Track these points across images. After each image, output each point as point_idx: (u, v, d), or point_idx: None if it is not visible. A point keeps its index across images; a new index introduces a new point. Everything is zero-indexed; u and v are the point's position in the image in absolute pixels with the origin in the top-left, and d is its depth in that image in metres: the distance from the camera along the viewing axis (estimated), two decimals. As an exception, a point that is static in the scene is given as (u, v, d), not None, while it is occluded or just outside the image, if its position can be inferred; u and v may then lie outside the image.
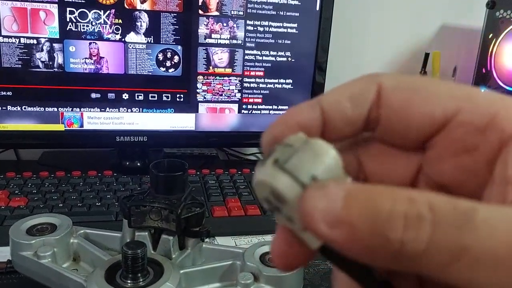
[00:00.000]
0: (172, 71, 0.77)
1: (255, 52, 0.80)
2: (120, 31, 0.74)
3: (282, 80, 0.82)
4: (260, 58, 0.80)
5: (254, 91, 0.82)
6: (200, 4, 0.75)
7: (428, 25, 1.06)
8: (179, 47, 0.76)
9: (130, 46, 0.74)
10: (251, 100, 0.82)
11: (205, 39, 0.77)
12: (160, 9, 0.74)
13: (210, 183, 0.75)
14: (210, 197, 0.71)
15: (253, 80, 0.81)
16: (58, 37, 0.72)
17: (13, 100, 0.72)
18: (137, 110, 0.78)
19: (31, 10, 0.70)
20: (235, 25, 0.78)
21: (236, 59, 0.79)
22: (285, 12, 0.79)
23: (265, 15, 0.78)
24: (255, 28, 0.78)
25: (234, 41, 0.78)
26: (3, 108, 0.72)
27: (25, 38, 0.70)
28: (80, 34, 0.72)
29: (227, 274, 0.47)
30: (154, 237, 0.47)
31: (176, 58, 0.77)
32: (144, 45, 0.75)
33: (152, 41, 0.75)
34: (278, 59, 0.81)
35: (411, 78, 0.17)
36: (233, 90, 0.81)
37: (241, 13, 0.77)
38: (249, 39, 0.79)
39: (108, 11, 0.72)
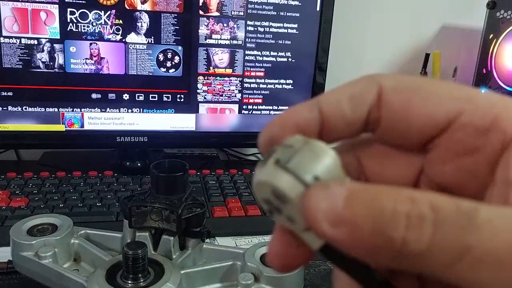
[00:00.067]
0: (173, 72, 0.77)
1: (255, 52, 0.80)
2: (120, 32, 0.74)
3: (282, 81, 0.82)
4: (261, 58, 0.80)
5: (255, 91, 0.82)
6: (200, 4, 0.75)
7: (429, 26, 1.06)
8: (180, 48, 0.76)
9: (130, 46, 0.74)
10: (251, 101, 0.82)
11: (205, 39, 0.77)
12: (160, 9, 0.74)
13: (210, 183, 0.75)
14: (210, 197, 0.71)
15: (253, 80, 0.81)
16: (58, 37, 0.72)
17: (14, 101, 0.72)
18: (137, 110, 0.78)
19: (32, 11, 0.70)
20: (235, 26, 0.78)
21: (237, 60, 0.79)
22: (285, 12, 0.79)
23: (266, 15, 0.78)
24: (255, 29, 0.78)
25: (235, 42, 0.78)
26: (4, 108, 0.72)
27: (25, 39, 0.71)
28: (80, 34, 0.72)
29: (228, 274, 0.47)
30: (154, 237, 0.47)
31: (176, 59, 0.77)
32: (144, 45, 0.75)
33: (152, 42, 0.75)
34: (279, 59, 0.81)
35: (412, 79, 0.17)
36: (233, 90, 0.81)
37: (241, 13, 0.77)
38: (249, 39, 0.79)
39: (109, 12, 0.72)
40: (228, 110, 0.82)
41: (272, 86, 0.82)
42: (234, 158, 0.96)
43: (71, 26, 0.72)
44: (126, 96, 0.77)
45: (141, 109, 0.78)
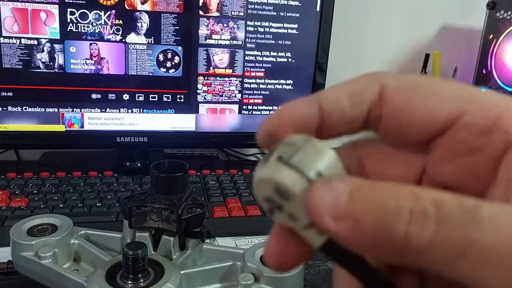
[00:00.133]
0: (173, 72, 0.77)
1: (255, 52, 0.80)
2: (120, 32, 0.74)
3: (282, 81, 0.82)
4: (261, 58, 0.80)
5: (255, 91, 0.82)
6: (200, 5, 0.75)
7: (429, 26, 1.06)
8: (180, 48, 0.76)
9: (130, 46, 0.74)
10: (251, 101, 0.82)
11: (205, 39, 0.77)
12: (160, 9, 0.74)
13: (210, 183, 0.75)
14: (210, 197, 0.71)
15: (253, 80, 0.81)
16: (58, 37, 0.72)
17: (14, 101, 0.72)
18: (137, 110, 0.78)
19: (32, 11, 0.70)
20: (235, 26, 0.78)
21: (237, 60, 0.79)
22: (285, 13, 0.79)
23: (266, 15, 0.78)
24: (255, 29, 0.78)
25: (235, 42, 0.78)
26: (4, 108, 0.72)
27: (25, 39, 0.71)
28: (80, 34, 0.72)
29: (228, 274, 0.47)
30: (154, 237, 0.47)
31: (176, 59, 0.77)
32: (144, 45, 0.75)
33: (152, 42, 0.75)
34: (279, 59, 0.81)
35: (414, 77, 0.17)
36: (233, 90, 0.81)
37: (241, 13, 0.77)
38: (249, 39, 0.79)
39: (109, 12, 0.72)
40: (228, 110, 0.82)
41: (272, 86, 0.82)
42: (234, 159, 0.96)
43: (71, 26, 0.72)
44: (126, 97, 0.77)
45: (141, 110, 0.78)
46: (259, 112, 0.83)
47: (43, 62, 0.72)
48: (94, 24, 0.72)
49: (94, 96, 0.75)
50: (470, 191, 0.17)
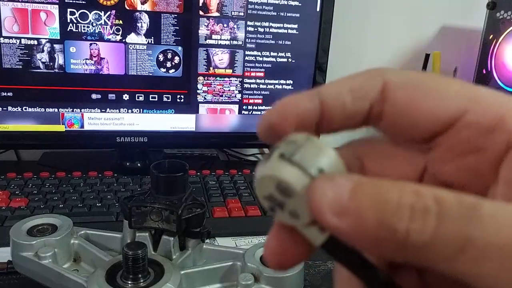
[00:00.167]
0: (173, 72, 0.77)
1: (255, 53, 0.80)
2: (120, 32, 0.74)
3: (282, 81, 0.82)
4: (261, 59, 0.80)
5: (255, 92, 0.82)
6: (200, 5, 0.75)
7: (429, 26, 1.06)
8: (180, 48, 0.76)
9: (130, 47, 0.74)
10: (251, 101, 0.82)
11: (205, 40, 0.77)
12: (160, 10, 0.74)
13: (210, 183, 0.75)
14: (210, 197, 0.71)
15: (253, 81, 0.81)
16: (58, 37, 0.72)
17: (14, 101, 0.72)
18: (137, 110, 0.78)
19: (32, 11, 0.70)
20: (235, 26, 0.78)
21: (237, 60, 0.79)
22: (285, 13, 0.79)
23: (266, 16, 0.78)
24: (255, 29, 0.78)
25: (235, 42, 0.78)
26: (4, 108, 0.72)
27: (25, 39, 0.71)
28: (80, 35, 0.72)
29: (228, 275, 0.47)
30: (154, 237, 0.47)
31: (176, 59, 0.77)
32: (144, 46, 0.75)
33: (152, 42, 0.75)
34: (279, 60, 0.81)
35: (417, 74, 0.17)
36: (233, 91, 0.81)
37: (241, 14, 0.77)
38: (249, 40, 0.79)
39: (109, 12, 0.72)
40: (228, 110, 0.82)
41: (272, 86, 0.82)
42: (234, 159, 0.96)
43: (71, 27, 0.72)
44: (126, 97, 0.76)
45: (141, 110, 0.78)
46: (259, 112, 0.83)
47: (43, 62, 0.72)
48: (94, 24, 0.72)
49: (94, 96, 0.75)
50: (471, 190, 0.17)
